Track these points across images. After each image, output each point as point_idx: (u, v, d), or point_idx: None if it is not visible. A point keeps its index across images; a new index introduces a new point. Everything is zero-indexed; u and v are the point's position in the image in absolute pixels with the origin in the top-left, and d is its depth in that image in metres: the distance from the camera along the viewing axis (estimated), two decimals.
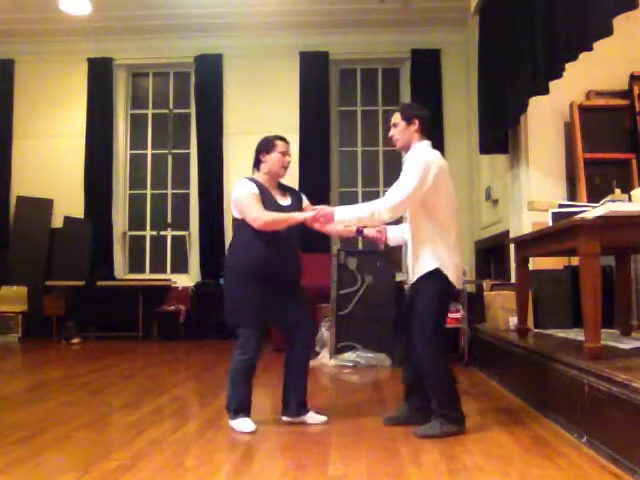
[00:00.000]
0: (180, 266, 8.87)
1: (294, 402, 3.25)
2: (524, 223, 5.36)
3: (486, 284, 5.79)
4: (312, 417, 3.25)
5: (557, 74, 4.39)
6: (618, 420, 2.46)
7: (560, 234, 3.37)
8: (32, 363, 6.20)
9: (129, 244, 9.03)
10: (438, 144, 8.04)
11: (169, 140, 9.15)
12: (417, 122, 3.07)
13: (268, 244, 3.09)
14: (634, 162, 5.17)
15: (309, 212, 3.09)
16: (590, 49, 3.88)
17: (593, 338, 3.02)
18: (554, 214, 3.76)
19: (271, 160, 3.22)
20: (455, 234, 3.04)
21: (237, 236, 3.23)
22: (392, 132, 3.15)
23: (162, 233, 8.99)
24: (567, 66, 4.25)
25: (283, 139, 3.29)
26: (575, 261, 4.00)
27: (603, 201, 3.49)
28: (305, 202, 3.38)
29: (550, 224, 3.69)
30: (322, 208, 3.01)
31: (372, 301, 5.75)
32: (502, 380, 4.41)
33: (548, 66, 4.46)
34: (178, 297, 8.28)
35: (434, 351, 2.96)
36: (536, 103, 5.09)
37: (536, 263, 4.93)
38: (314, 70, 8.53)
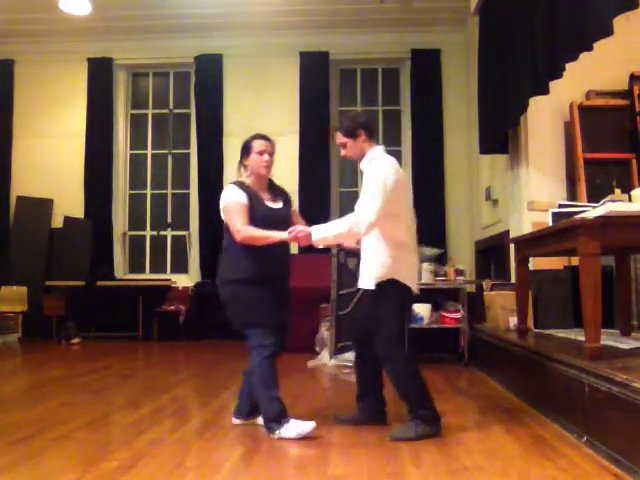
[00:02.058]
0: (180, 266, 8.87)
1: (248, 404, 3.17)
2: (524, 223, 5.35)
3: (486, 284, 5.79)
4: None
5: (557, 74, 4.39)
6: (618, 420, 2.46)
7: (560, 234, 3.37)
8: (32, 363, 6.20)
9: (129, 244, 9.02)
10: (438, 144, 8.19)
11: (169, 140, 9.15)
12: (362, 132, 3.06)
13: (265, 247, 2.99)
14: (634, 162, 5.17)
15: (287, 232, 2.92)
16: (590, 49, 3.88)
17: (593, 338, 3.02)
18: (554, 214, 3.76)
19: (251, 162, 3.10)
20: (411, 238, 3.05)
21: (233, 243, 3.04)
22: (343, 153, 3.12)
23: (162, 233, 8.98)
24: (567, 66, 4.25)
25: (263, 137, 3.13)
26: (575, 261, 3.99)
27: (603, 201, 3.49)
28: (293, 206, 3.31)
29: (550, 224, 3.69)
30: (302, 228, 2.90)
31: None
32: (502, 380, 4.41)
33: (548, 66, 4.46)
34: (178, 297, 8.27)
35: (397, 353, 2.97)
36: (536, 103, 5.08)
37: (536, 263, 4.93)
38: (314, 70, 8.52)
